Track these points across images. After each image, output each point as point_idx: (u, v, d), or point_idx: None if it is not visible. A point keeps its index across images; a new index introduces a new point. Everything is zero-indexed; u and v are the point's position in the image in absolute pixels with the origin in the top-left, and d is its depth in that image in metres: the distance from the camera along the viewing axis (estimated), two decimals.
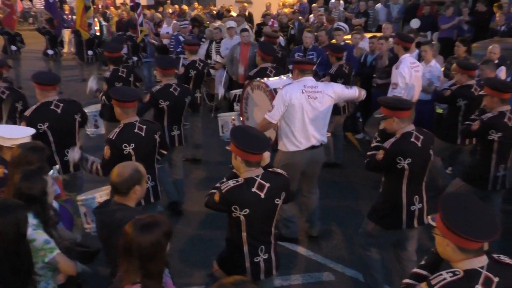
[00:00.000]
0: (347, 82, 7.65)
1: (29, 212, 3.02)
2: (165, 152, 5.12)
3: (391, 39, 8.75)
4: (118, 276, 2.59)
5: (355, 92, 5.59)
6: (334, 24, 11.39)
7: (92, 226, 3.85)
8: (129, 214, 3.02)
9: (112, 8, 20.04)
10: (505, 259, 2.43)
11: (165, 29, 13.87)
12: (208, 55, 10.42)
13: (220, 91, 8.66)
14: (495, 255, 2.43)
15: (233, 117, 6.61)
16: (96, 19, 16.58)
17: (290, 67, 8.28)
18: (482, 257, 2.37)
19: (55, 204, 3.68)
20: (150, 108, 6.15)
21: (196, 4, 19.38)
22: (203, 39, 11.24)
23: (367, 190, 7.16)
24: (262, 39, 9.57)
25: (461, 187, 5.32)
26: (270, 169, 3.55)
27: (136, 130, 4.60)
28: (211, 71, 9.45)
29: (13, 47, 12.46)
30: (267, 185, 3.40)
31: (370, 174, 6.95)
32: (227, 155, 4.82)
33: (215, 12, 16.47)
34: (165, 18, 14.68)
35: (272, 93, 5.63)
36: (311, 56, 8.65)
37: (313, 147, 5.38)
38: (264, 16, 14.23)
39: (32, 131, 4.41)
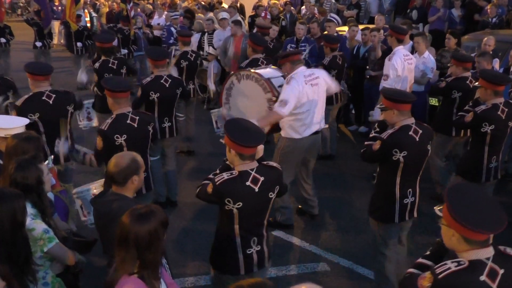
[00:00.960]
0: (340, 74, 7.67)
1: (27, 202, 3.00)
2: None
3: (382, 31, 8.74)
4: (115, 266, 2.58)
5: (337, 85, 5.88)
6: (327, 16, 11.39)
7: (88, 218, 3.82)
8: (126, 204, 3.01)
9: None
10: (511, 251, 2.42)
11: (156, 20, 13.77)
12: (200, 47, 10.35)
13: (211, 86, 8.58)
14: (501, 247, 2.42)
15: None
16: (86, 11, 16.42)
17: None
18: (488, 248, 2.36)
19: (50, 195, 3.65)
20: (143, 102, 6.06)
21: None
22: (192, 30, 11.11)
23: (360, 182, 7.20)
24: (255, 30, 9.52)
25: (456, 180, 5.33)
26: (265, 162, 3.51)
27: (128, 121, 4.55)
28: (204, 62, 9.41)
29: (2, 39, 12.32)
30: (262, 178, 3.36)
31: (363, 166, 7.04)
32: (220, 146, 4.79)
33: (203, 3, 16.35)
34: (156, 9, 14.58)
35: (268, 83, 5.52)
36: (303, 48, 8.64)
37: (315, 133, 5.53)
38: (256, 7, 14.17)
39: (26, 121, 4.37)
